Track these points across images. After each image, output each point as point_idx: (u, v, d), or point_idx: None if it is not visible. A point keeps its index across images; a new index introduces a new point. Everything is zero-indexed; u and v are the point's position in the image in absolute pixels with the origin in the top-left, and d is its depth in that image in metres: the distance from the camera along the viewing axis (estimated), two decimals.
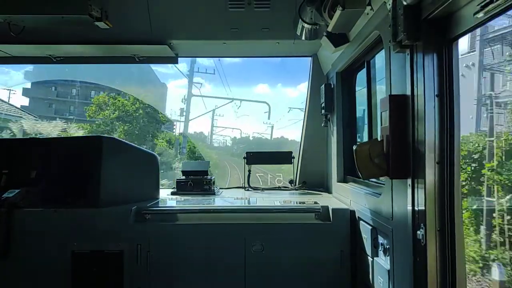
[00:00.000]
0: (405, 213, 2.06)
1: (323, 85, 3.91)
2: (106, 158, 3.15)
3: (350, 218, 2.99)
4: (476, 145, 7.15)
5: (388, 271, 2.32)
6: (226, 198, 3.84)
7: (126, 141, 3.76)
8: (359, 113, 3.63)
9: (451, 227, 1.87)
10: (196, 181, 3.99)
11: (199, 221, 3.06)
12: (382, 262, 2.44)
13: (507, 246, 5.96)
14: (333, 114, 3.80)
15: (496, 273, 5.83)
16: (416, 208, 1.97)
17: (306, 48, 4.07)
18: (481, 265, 6.17)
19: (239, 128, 46.67)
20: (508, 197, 6.27)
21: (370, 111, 3.10)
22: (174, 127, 26.74)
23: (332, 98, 3.79)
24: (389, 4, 2.05)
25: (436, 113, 1.89)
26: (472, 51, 8.94)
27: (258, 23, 3.61)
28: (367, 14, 2.53)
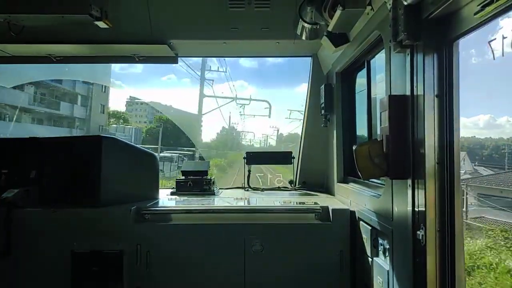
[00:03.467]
0: (405, 213, 2.06)
1: (323, 85, 3.90)
2: (106, 157, 3.14)
3: (350, 219, 2.99)
4: None
5: (388, 271, 2.31)
6: (226, 198, 3.84)
7: (126, 141, 3.75)
8: (358, 113, 3.62)
9: (451, 227, 1.87)
10: (196, 181, 3.98)
11: (198, 221, 3.05)
12: (381, 262, 2.44)
13: None
14: (333, 114, 3.79)
15: None
16: (416, 209, 1.97)
17: (306, 48, 4.07)
18: None
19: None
20: None
21: (369, 111, 3.10)
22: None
23: (332, 98, 3.78)
24: (390, 4, 2.04)
25: (436, 113, 1.89)
26: None
27: (258, 23, 3.60)
28: (368, 14, 2.52)
